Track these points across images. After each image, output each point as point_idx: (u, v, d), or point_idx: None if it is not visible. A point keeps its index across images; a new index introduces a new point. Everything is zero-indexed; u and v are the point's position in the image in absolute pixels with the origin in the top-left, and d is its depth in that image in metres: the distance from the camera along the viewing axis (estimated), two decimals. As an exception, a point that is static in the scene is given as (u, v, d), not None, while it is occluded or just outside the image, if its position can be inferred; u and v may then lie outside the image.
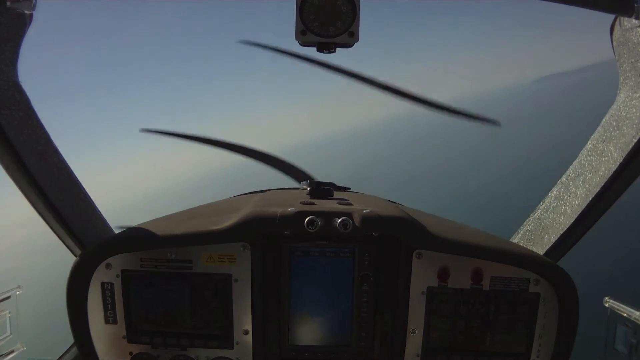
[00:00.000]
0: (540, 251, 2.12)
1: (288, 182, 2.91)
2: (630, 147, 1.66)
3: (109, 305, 1.88)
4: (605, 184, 1.79)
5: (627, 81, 1.74)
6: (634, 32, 1.59)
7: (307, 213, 1.78)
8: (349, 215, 1.79)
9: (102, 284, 1.87)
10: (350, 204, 1.97)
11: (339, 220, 1.76)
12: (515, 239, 2.39)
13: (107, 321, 1.89)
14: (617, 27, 1.69)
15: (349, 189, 2.78)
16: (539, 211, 2.26)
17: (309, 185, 2.37)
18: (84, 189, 2.01)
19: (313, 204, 1.97)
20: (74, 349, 2.18)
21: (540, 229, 2.21)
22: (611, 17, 1.70)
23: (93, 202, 2.08)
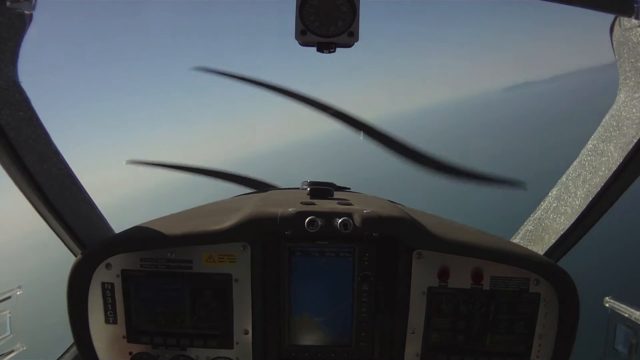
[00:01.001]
0: (540, 251, 2.12)
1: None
2: (631, 147, 1.66)
3: (109, 305, 1.88)
4: (606, 184, 1.79)
5: (627, 81, 1.74)
6: (634, 32, 1.59)
7: (308, 213, 1.78)
8: (349, 215, 1.79)
9: (102, 284, 1.86)
10: (351, 204, 1.97)
11: (340, 221, 1.76)
12: (515, 239, 2.38)
13: (107, 321, 1.89)
14: (617, 27, 1.69)
15: (349, 189, 2.78)
16: (539, 211, 2.26)
17: (309, 185, 2.37)
18: (83, 188, 2.01)
19: (313, 204, 1.97)
20: (74, 349, 2.18)
21: (540, 229, 2.21)
22: (611, 17, 1.70)
23: (93, 202, 2.08)
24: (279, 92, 2.04)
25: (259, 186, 2.88)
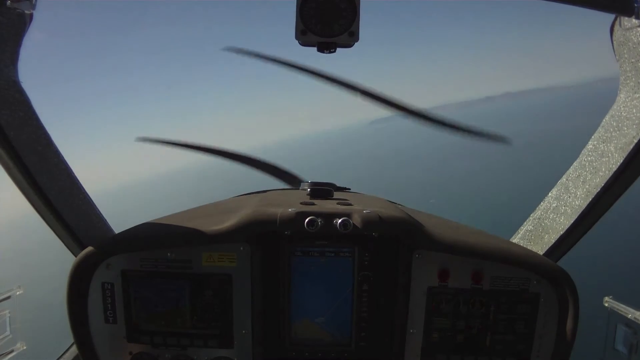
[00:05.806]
0: (540, 251, 2.12)
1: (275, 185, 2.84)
2: (631, 147, 1.66)
3: (109, 305, 1.88)
4: (606, 184, 1.79)
5: (628, 81, 1.74)
6: (634, 32, 1.59)
7: (308, 213, 1.78)
8: (349, 215, 1.79)
9: (103, 283, 1.87)
10: (350, 205, 1.97)
11: (339, 221, 1.76)
12: (515, 239, 2.39)
13: (107, 321, 1.89)
14: (617, 27, 1.70)
15: (349, 189, 2.78)
16: (539, 211, 2.26)
17: (309, 185, 2.37)
18: (83, 189, 2.01)
19: (313, 204, 1.97)
20: (74, 349, 2.18)
21: (540, 229, 2.21)
22: (611, 17, 1.70)
23: (93, 202, 2.08)
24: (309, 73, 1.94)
25: (286, 177, 2.79)
